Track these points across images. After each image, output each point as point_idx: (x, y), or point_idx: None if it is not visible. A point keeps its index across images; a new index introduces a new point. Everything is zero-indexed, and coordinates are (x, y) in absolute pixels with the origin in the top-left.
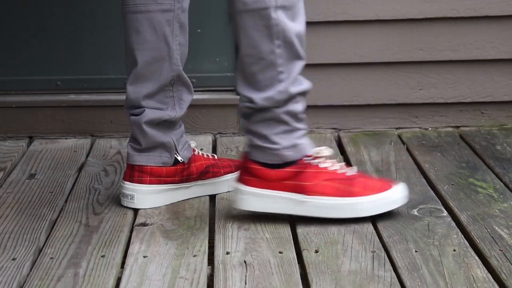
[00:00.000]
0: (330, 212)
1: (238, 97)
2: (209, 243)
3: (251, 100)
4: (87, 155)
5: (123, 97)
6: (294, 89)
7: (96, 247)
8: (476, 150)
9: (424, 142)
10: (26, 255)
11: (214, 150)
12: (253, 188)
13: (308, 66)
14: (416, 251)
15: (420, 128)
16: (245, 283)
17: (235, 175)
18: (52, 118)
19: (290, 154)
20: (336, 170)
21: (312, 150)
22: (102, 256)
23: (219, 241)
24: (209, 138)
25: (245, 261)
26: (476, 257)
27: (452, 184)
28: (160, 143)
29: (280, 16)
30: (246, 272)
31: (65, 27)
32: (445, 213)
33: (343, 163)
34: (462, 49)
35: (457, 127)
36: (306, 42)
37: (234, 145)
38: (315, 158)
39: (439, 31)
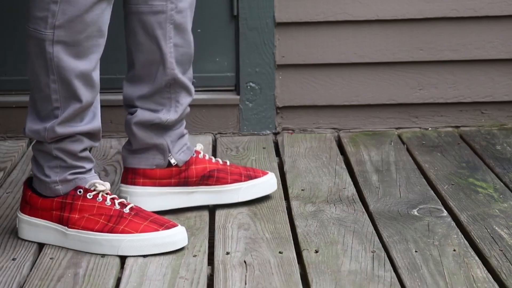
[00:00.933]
0: (90, 247)
1: (238, 97)
2: (209, 243)
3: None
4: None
5: None
6: (63, 130)
7: None
8: (476, 150)
9: (424, 142)
10: (26, 255)
11: (214, 150)
12: (26, 216)
13: (308, 66)
14: (416, 251)
15: (420, 128)
16: (245, 283)
17: (245, 184)
18: None
19: (60, 188)
20: (107, 205)
21: (89, 183)
22: (102, 256)
23: (219, 241)
24: (209, 138)
25: (245, 261)
26: (476, 257)
27: (452, 184)
28: (152, 144)
29: (57, 52)
30: (246, 272)
31: None
32: (445, 213)
33: (123, 200)
34: (462, 49)
35: (457, 127)
36: (91, 84)
37: (234, 145)
38: (88, 191)
39: (439, 31)
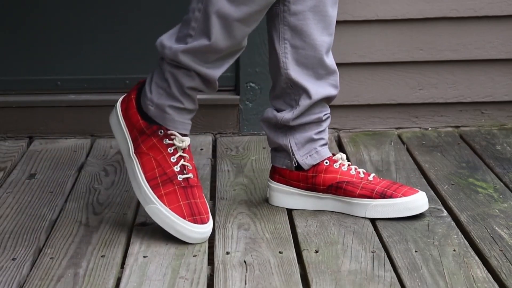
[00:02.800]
0: (133, 182)
1: (238, 97)
2: (209, 243)
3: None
4: (87, 155)
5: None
6: (183, 58)
7: (96, 247)
8: (476, 150)
9: (424, 142)
10: (26, 255)
11: (214, 150)
12: (120, 112)
13: None
14: (416, 251)
15: (420, 128)
16: (245, 283)
17: (374, 202)
18: (52, 118)
19: (152, 110)
20: (171, 161)
21: (171, 130)
22: (102, 256)
23: (219, 241)
24: (209, 138)
25: (245, 261)
26: (476, 257)
27: (452, 184)
28: (278, 144)
29: None
30: (246, 272)
31: (65, 27)
32: (445, 213)
33: (189, 164)
34: (462, 49)
35: (457, 127)
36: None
37: (234, 145)
38: (167, 136)
39: (439, 31)
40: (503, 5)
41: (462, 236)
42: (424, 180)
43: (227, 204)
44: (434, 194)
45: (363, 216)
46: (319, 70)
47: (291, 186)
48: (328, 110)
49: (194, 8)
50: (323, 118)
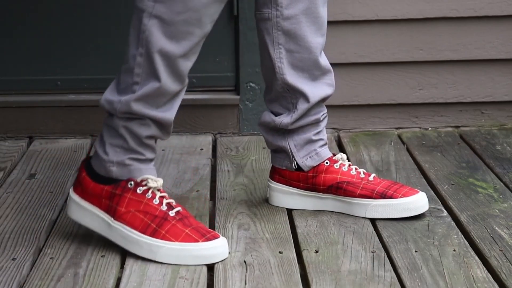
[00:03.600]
0: (130, 246)
1: (238, 97)
2: None
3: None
4: (87, 155)
5: None
6: (137, 107)
7: (96, 247)
8: (476, 150)
9: (424, 142)
10: (26, 255)
11: (214, 150)
12: (77, 197)
13: None
14: (416, 251)
15: (420, 128)
16: (245, 283)
17: (374, 202)
18: (52, 118)
19: (114, 170)
20: (154, 204)
21: (141, 176)
22: (102, 256)
23: None
24: (209, 138)
25: (245, 261)
26: (476, 257)
27: (452, 184)
28: (277, 146)
29: (151, 26)
30: (246, 272)
31: (65, 27)
32: (445, 213)
33: (172, 201)
34: (462, 49)
35: (457, 127)
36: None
37: (234, 145)
38: (139, 185)
39: (439, 31)
40: (503, 5)
41: (462, 236)
42: (424, 180)
43: (227, 204)
44: (434, 194)
45: (363, 216)
46: (314, 72)
47: (291, 186)
48: (325, 110)
49: (134, 55)
50: (321, 118)
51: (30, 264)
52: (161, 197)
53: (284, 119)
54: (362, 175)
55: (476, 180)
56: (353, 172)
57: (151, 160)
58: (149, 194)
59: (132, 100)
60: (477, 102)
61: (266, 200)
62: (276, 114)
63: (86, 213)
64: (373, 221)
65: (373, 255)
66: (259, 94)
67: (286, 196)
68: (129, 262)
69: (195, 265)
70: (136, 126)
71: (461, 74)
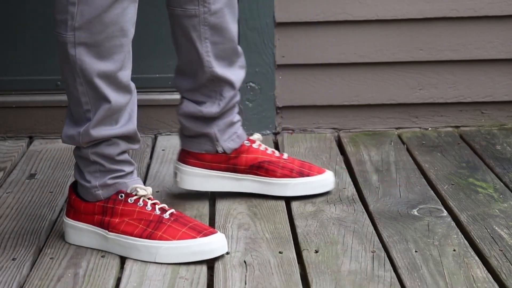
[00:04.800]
0: (128, 252)
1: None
2: None
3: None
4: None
5: None
6: (97, 133)
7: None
8: (476, 150)
9: (424, 142)
10: (26, 255)
11: None
12: (70, 220)
13: (308, 66)
14: (416, 251)
15: (420, 128)
16: (245, 283)
17: (294, 181)
18: (52, 118)
19: (101, 193)
20: (147, 210)
21: (130, 187)
22: (102, 256)
23: None
24: None
25: (245, 261)
26: (476, 257)
27: (452, 184)
28: (200, 133)
29: (79, 54)
30: (246, 272)
31: None
32: (445, 213)
33: (164, 205)
34: (462, 49)
35: (457, 127)
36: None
37: None
38: (129, 196)
39: (439, 31)
40: (503, 5)
41: (462, 236)
42: (424, 180)
43: (227, 204)
44: (434, 194)
45: (284, 195)
46: (233, 58)
47: (210, 169)
48: (236, 90)
49: (75, 86)
50: (238, 99)
51: (30, 264)
52: (153, 204)
53: (212, 109)
54: (277, 154)
55: (476, 180)
56: (269, 151)
57: (132, 172)
58: (141, 202)
59: (90, 129)
60: (477, 102)
61: (267, 200)
62: (198, 103)
63: (83, 233)
64: (373, 221)
65: (373, 255)
66: (259, 94)
67: (201, 180)
68: (129, 262)
69: (195, 265)
70: (104, 148)
71: (461, 74)
